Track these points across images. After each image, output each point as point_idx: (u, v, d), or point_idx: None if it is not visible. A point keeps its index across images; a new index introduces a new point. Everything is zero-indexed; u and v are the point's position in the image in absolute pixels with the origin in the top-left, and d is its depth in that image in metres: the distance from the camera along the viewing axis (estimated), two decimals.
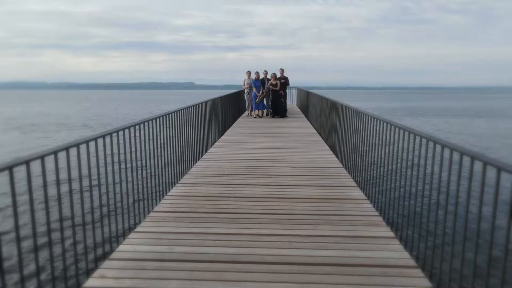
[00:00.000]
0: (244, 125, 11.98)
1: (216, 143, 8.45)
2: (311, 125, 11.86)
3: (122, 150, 3.91)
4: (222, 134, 9.91)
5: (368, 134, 5.13)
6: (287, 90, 14.93)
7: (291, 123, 12.43)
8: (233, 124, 11.99)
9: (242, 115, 14.83)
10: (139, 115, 37.69)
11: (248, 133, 10.13)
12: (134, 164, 4.14)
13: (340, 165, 6.33)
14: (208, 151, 7.52)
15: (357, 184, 5.26)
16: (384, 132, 4.48)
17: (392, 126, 4.17)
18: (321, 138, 9.23)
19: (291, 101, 20.01)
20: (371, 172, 5.00)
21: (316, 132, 10.38)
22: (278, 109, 14.00)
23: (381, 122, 4.60)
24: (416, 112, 42.93)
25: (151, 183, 4.37)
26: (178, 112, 5.94)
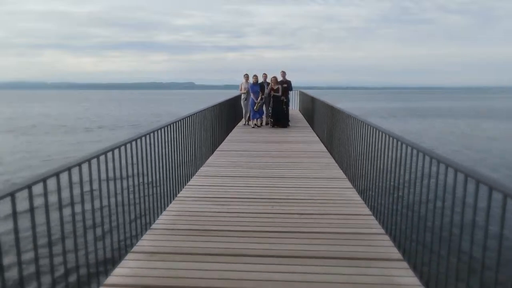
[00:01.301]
0: (239, 138, 10.19)
1: (201, 169, 6.65)
2: (318, 139, 10.07)
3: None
4: (213, 152, 8.16)
5: (408, 169, 3.46)
6: (289, 96, 13.15)
7: (295, 136, 10.63)
8: (227, 137, 10.20)
9: (238, 124, 13.05)
10: (139, 115, 37.36)
11: (243, 151, 8.34)
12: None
13: (368, 211, 4.52)
14: (188, 184, 5.71)
15: (399, 250, 3.49)
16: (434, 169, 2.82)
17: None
18: (332, 159, 7.45)
19: (293, 106, 18.21)
20: (422, 229, 3.24)
21: (325, 149, 8.60)
22: (279, 118, 12.21)
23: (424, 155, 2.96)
24: (419, 113, 42.18)
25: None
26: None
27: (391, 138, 4.12)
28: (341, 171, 6.49)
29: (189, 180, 5.87)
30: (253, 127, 12.17)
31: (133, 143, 3.84)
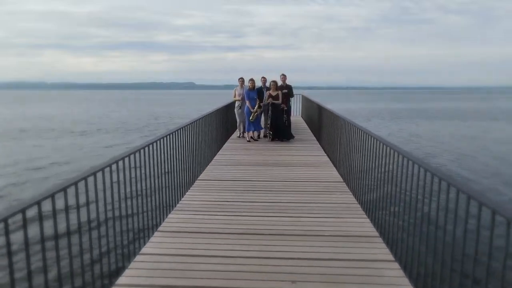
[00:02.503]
0: (230, 158, 8.24)
1: (169, 217, 4.69)
2: (327, 158, 8.17)
3: None
4: (193, 182, 6.28)
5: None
6: (290, 103, 11.24)
7: (299, 154, 8.67)
8: (216, 157, 8.29)
9: (231, 137, 11.13)
10: (138, 117, 36.49)
11: (232, 181, 6.37)
12: None
13: None
14: (147, 246, 3.80)
15: None
16: None
17: None
18: (351, 195, 5.54)
19: (295, 112, 16.28)
20: None
21: (339, 175, 6.69)
22: (279, 130, 10.29)
23: None
24: (427, 114, 41.16)
25: None
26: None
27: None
28: (368, 219, 4.58)
29: (147, 241, 3.96)
30: (249, 141, 10.24)
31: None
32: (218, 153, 8.73)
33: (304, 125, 14.67)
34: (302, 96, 17.56)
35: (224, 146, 9.65)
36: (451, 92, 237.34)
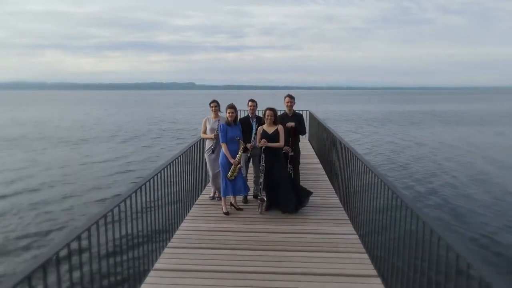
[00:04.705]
0: (178, 282, 3.93)
1: None
2: (372, 268, 3.91)
3: None
4: None
5: None
6: (299, 145, 6.86)
7: (322, 267, 4.33)
8: (156, 264, 4.02)
9: (197, 201, 6.67)
10: (138, 121, 35.50)
11: None
12: None
13: None
14: None
15: None
16: None
17: None
18: None
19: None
20: None
21: None
22: (280, 194, 5.92)
23: None
24: (439, 118, 38.83)
25: None
26: None
27: None
28: None
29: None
30: (226, 213, 5.89)
31: None
32: (164, 251, 4.48)
33: (314, 159, 10.30)
34: (310, 113, 13.28)
35: (180, 227, 5.33)
36: (452, 92, 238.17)
